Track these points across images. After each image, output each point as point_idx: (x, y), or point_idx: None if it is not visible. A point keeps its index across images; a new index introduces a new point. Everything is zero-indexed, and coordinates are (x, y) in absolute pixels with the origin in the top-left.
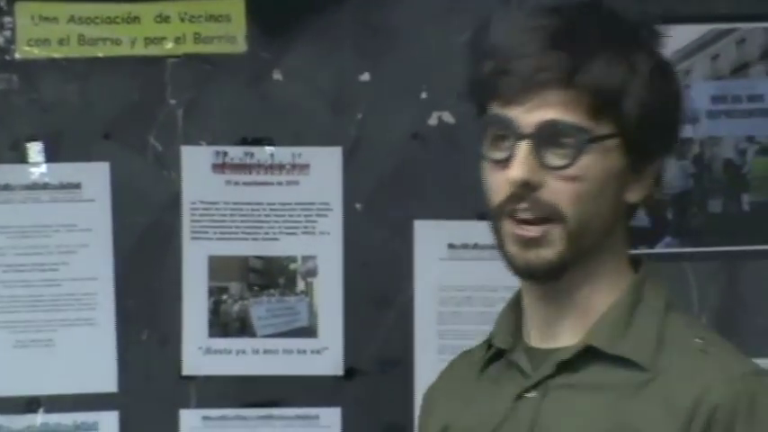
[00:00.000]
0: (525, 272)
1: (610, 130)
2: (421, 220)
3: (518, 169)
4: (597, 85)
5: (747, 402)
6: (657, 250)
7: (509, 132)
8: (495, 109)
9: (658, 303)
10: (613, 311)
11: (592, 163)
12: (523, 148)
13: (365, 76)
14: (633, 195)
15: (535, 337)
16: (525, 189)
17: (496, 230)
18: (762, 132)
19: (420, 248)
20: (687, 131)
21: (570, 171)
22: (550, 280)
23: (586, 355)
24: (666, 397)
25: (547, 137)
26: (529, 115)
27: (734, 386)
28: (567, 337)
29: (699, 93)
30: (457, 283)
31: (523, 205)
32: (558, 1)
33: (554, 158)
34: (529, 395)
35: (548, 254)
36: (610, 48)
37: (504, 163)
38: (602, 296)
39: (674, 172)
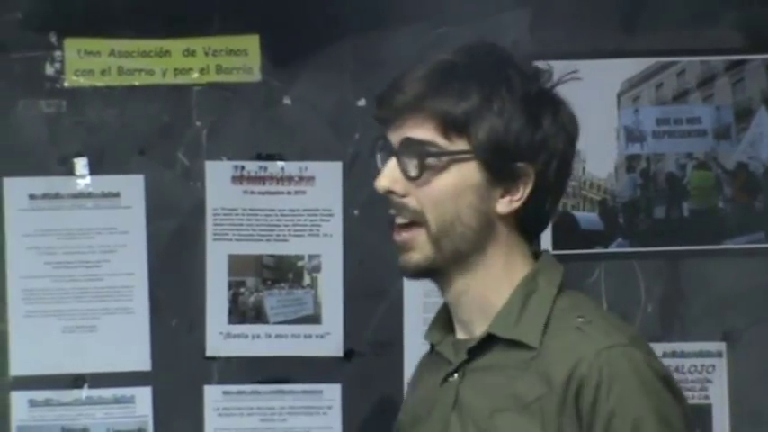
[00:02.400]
0: (403, 273)
1: (463, 148)
2: None
3: (381, 180)
4: (444, 110)
5: (608, 372)
6: (610, 250)
7: (387, 151)
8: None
9: (550, 290)
10: (509, 302)
11: (445, 175)
12: (391, 162)
13: (362, 102)
14: (502, 207)
15: (458, 331)
16: (392, 197)
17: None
18: (699, 150)
19: None
20: (636, 149)
21: (426, 180)
22: (431, 278)
23: (489, 342)
24: (547, 371)
25: (406, 152)
26: (395, 134)
27: (598, 359)
28: (478, 328)
29: (645, 116)
30: None
31: (393, 212)
32: (460, 48)
33: (412, 170)
34: (451, 379)
35: (416, 256)
36: (468, 83)
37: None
38: (497, 292)
39: (624, 183)
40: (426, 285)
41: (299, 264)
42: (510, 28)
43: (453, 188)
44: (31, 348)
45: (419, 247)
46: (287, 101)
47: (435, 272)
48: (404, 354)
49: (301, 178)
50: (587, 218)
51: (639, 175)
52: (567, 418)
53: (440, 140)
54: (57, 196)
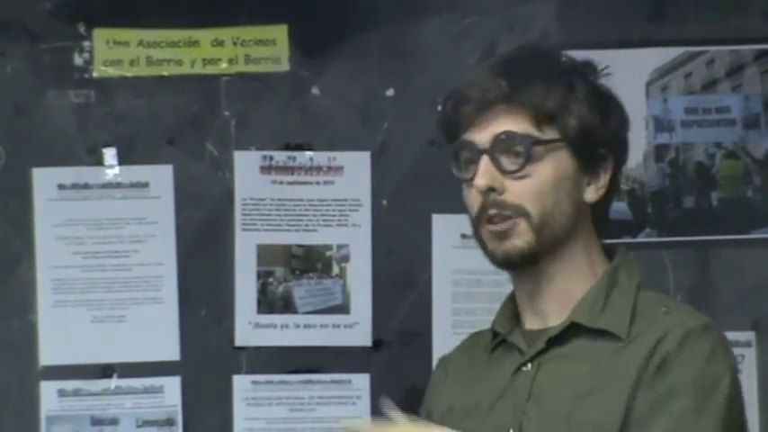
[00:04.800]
0: (504, 261)
1: (555, 137)
2: (438, 214)
3: (481, 178)
4: (538, 101)
5: (690, 344)
6: (639, 240)
7: (472, 152)
8: (461, 136)
9: (631, 284)
10: (592, 293)
11: (544, 165)
12: (484, 160)
13: (390, 92)
14: (589, 196)
15: (530, 322)
16: (491, 195)
17: (478, 238)
18: (728, 139)
19: (437, 238)
20: (664, 138)
21: (525, 172)
22: (526, 266)
23: (571, 331)
24: (637, 356)
25: (500, 147)
26: (484, 133)
27: (682, 332)
28: (554, 319)
29: (674, 105)
30: (469, 267)
31: (493, 211)
32: (517, 48)
33: (510, 164)
34: (525, 369)
35: (519, 243)
36: (548, 75)
37: (473, 179)
38: (579, 282)
39: (652, 172)
40: (456, 275)
41: (328, 254)
42: (538, 18)
43: (554, 177)
44: (60, 338)
45: (521, 235)
46: (315, 91)
47: (534, 259)
48: (432, 343)
49: (330, 168)
50: (616, 207)
51: (668, 165)
52: (642, 386)
53: (534, 132)
54: (86, 186)
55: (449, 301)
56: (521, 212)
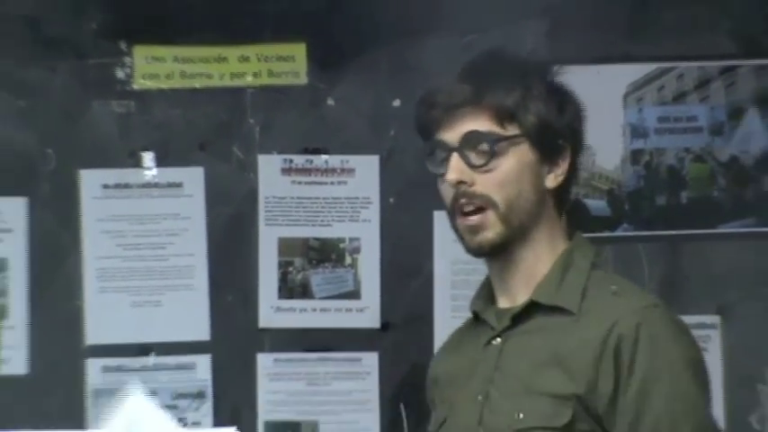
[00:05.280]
0: (477, 250)
1: (516, 132)
2: (439, 211)
3: (452, 173)
4: (498, 102)
5: (644, 329)
6: (617, 234)
7: (443, 150)
8: (433, 136)
9: (585, 264)
10: (550, 274)
11: (507, 158)
12: (454, 157)
13: (397, 102)
14: (550, 182)
15: (502, 301)
16: (462, 187)
17: (454, 227)
18: (695, 145)
19: (438, 232)
20: (640, 144)
21: (491, 166)
22: (499, 254)
23: (532, 309)
24: (587, 332)
25: (468, 145)
26: (453, 133)
27: (635, 317)
28: (521, 298)
29: (648, 115)
30: (466, 258)
31: (463, 200)
32: (483, 53)
33: (477, 160)
34: (494, 342)
35: (490, 234)
36: (508, 78)
37: (446, 174)
38: (542, 264)
39: (629, 174)
40: (455, 265)
41: (341, 246)
42: (529, 36)
43: (517, 168)
44: (103, 321)
45: (491, 226)
46: (330, 101)
47: (504, 247)
48: (434, 326)
49: (343, 170)
50: (596, 205)
51: (643, 167)
52: (603, 373)
53: (497, 129)
54: (126, 186)
55: (449, 288)
56: (488, 202)
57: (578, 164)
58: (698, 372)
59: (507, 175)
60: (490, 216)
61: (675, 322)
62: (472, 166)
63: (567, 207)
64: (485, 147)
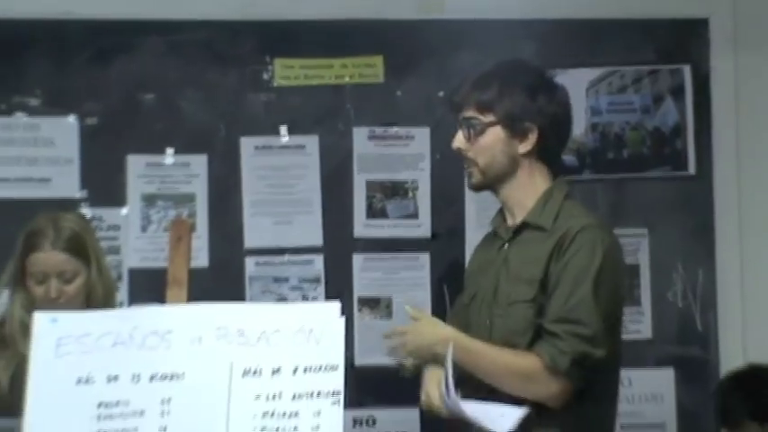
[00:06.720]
0: (472, 188)
1: (493, 119)
2: None
3: (455, 142)
4: (479, 97)
5: (580, 236)
6: (582, 177)
7: (458, 125)
8: (456, 117)
9: (560, 196)
10: (536, 204)
11: (485, 136)
12: (459, 132)
13: (441, 93)
14: (522, 149)
15: (509, 220)
16: (462, 151)
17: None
18: (632, 120)
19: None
20: (597, 119)
21: (474, 140)
22: (487, 189)
23: (524, 226)
24: (551, 240)
25: (464, 125)
26: (459, 116)
27: (577, 228)
28: (519, 219)
29: (602, 101)
30: (486, 194)
31: (463, 159)
32: (499, 61)
33: (467, 135)
34: (504, 248)
35: (474, 180)
36: (491, 78)
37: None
38: (529, 197)
39: (590, 138)
40: (479, 197)
41: (406, 185)
42: (524, 51)
43: (491, 143)
44: (255, 233)
45: (475, 176)
46: (399, 93)
47: (486, 187)
48: (465, 237)
49: (407, 136)
50: (569, 159)
51: (599, 135)
52: (553, 262)
53: (479, 116)
54: (270, 148)
55: (475, 213)
56: (473, 162)
57: (550, 135)
58: (599, 276)
59: (484, 147)
60: (475, 171)
61: (602, 238)
62: (467, 139)
63: (553, 159)
64: (471, 127)
